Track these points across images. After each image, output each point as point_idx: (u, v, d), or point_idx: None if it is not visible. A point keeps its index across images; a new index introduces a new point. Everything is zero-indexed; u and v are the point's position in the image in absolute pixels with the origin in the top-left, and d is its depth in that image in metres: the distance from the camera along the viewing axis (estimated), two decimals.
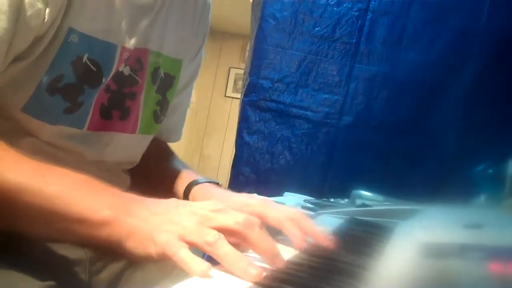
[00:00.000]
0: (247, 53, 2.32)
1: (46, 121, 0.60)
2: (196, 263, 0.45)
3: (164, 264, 0.50)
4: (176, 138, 0.93)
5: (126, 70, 0.67)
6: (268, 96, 1.88)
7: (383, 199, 1.15)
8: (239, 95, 2.12)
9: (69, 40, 0.57)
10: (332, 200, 1.24)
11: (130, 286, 0.70)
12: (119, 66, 0.64)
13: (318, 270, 0.52)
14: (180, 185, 0.79)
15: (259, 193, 1.23)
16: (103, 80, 0.62)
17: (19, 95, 0.57)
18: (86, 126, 0.64)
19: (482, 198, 0.88)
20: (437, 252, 0.46)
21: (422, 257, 0.45)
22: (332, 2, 1.83)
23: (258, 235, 0.50)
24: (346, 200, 1.23)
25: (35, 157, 0.53)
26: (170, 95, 0.78)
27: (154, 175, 0.85)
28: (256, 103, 1.88)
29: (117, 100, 0.67)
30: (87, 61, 0.60)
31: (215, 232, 0.48)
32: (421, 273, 0.41)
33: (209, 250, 0.47)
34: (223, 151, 5.21)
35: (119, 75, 0.66)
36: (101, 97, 0.65)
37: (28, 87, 0.57)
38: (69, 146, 0.64)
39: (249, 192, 1.25)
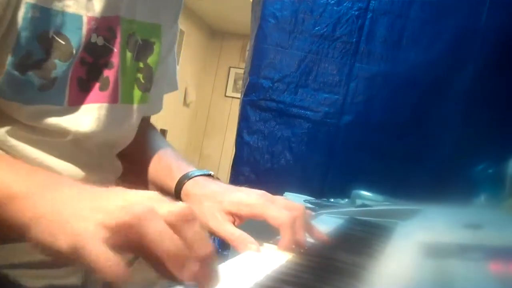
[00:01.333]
0: (247, 52, 2.32)
1: (23, 102, 0.58)
2: (110, 261, 0.34)
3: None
4: (158, 109, 0.87)
5: (100, 41, 0.65)
6: (268, 95, 1.88)
7: (383, 199, 1.15)
8: (239, 95, 2.12)
9: (30, 15, 0.56)
10: (332, 200, 1.25)
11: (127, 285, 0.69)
12: (88, 36, 0.62)
13: (318, 270, 0.52)
14: (170, 178, 0.73)
15: None
16: (74, 52, 0.61)
17: None
18: (66, 101, 0.62)
19: (482, 198, 0.88)
20: (437, 252, 0.46)
21: (422, 257, 0.45)
22: (332, 2, 1.83)
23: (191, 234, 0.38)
24: (346, 200, 1.23)
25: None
26: (153, 62, 0.75)
27: (135, 155, 0.80)
28: (256, 102, 1.88)
29: (95, 72, 0.65)
30: (54, 35, 0.58)
31: (149, 209, 0.37)
32: (421, 273, 0.41)
33: (135, 227, 0.36)
34: (223, 151, 5.21)
35: (92, 46, 0.64)
36: (77, 71, 0.63)
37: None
38: (51, 126, 0.62)
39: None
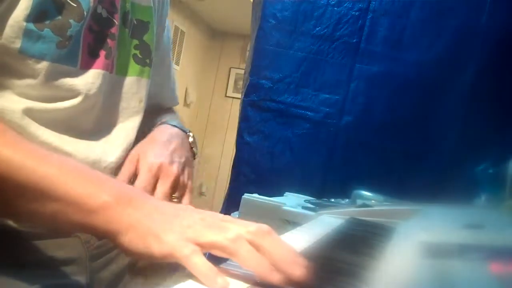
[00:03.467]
0: (247, 53, 2.32)
1: (42, 57, 0.61)
2: (213, 273, 0.42)
3: (164, 265, 0.49)
4: (173, 103, 0.95)
5: (104, 13, 0.69)
6: (268, 96, 1.87)
7: (384, 199, 1.15)
8: (239, 95, 2.12)
9: None
10: (332, 200, 1.25)
11: (131, 285, 0.69)
12: (95, 4, 0.66)
13: (318, 270, 0.52)
14: (148, 123, 0.80)
15: (260, 193, 1.23)
16: (85, 14, 0.64)
17: (12, 39, 0.58)
18: (79, 63, 0.66)
19: (482, 198, 0.88)
20: (437, 252, 0.46)
21: (422, 257, 0.45)
22: (333, 2, 1.83)
23: (270, 244, 0.44)
24: (347, 200, 1.23)
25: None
26: (149, 39, 0.79)
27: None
28: (257, 103, 1.88)
29: (102, 40, 0.69)
30: None
31: (236, 230, 0.45)
32: (421, 273, 0.41)
33: (230, 248, 0.43)
34: (223, 151, 5.21)
35: (98, 16, 0.68)
36: (87, 36, 0.66)
37: (18, 26, 0.58)
38: (64, 86, 0.65)
39: (250, 192, 1.25)
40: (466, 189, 0.99)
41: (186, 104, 5.22)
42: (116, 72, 0.73)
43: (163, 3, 0.86)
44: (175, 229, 0.45)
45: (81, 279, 0.66)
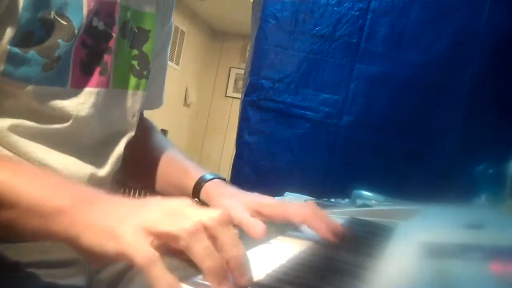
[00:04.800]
0: (247, 53, 2.32)
1: (27, 81, 0.58)
2: (165, 277, 0.38)
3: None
4: (159, 104, 0.90)
5: (101, 25, 0.66)
6: (268, 96, 1.88)
7: (384, 199, 1.15)
8: (239, 95, 2.12)
9: None
10: (332, 200, 1.24)
11: (131, 286, 0.69)
12: (89, 18, 0.63)
13: (318, 270, 0.52)
14: (188, 178, 0.77)
15: (260, 193, 1.23)
16: (76, 32, 0.61)
17: None
18: (69, 83, 0.63)
19: (482, 198, 0.88)
20: (437, 252, 0.45)
21: (422, 257, 0.45)
22: (333, 2, 1.83)
23: (226, 240, 0.42)
24: (347, 200, 1.23)
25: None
26: (148, 50, 0.76)
27: (140, 155, 0.82)
28: (257, 103, 1.88)
29: (96, 55, 0.66)
30: (55, 16, 0.59)
31: (196, 217, 0.42)
32: (421, 273, 0.41)
33: (186, 241, 0.40)
34: (223, 151, 5.22)
35: (93, 30, 0.65)
36: (79, 53, 0.64)
37: (1, 49, 0.56)
38: (54, 109, 0.62)
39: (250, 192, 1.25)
40: (466, 189, 0.99)
41: (186, 104, 5.22)
42: (113, 85, 0.71)
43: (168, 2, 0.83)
44: (131, 221, 0.42)
45: (81, 280, 0.65)
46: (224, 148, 5.21)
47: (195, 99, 5.34)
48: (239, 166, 1.91)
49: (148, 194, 0.61)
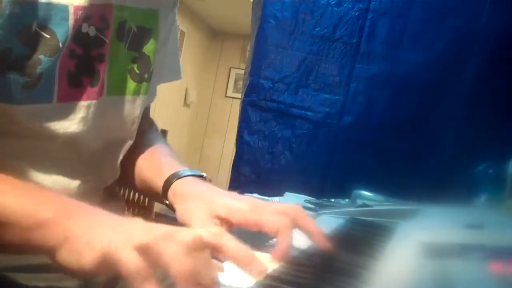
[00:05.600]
0: (247, 53, 2.32)
1: (9, 102, 0.54)
2: (141, 267, 0.38)
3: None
4: (150, 99, 0.81)
5: (91, 31, 0.60)
6: (268, 96, 1.87)
7: (384, 199, 1.15)
8: (239, 95, 2.12)
9: (7, 12, 0.52)
10: (332, 200, 1.24)
11: None
12: (76, 27, 0.58)
13: (318, 270, 0.52)
14: (158, 176, 0.69)
15: (260, 193, 1.23)
16: (60, 45, 0.56)
17: None
18: (55, 98, 0.58)
19: (482, 198, 0.88)
20: (437, 252, 0.45)
21: (422, 257, 0.45)
22: (333, 2, 1.83)
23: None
24: (347, 200, 1.23)
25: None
26: (149, 50, 0.70)
27: (127, 154, 0.75)
28: (257, 103, 1.88)
29: (86, 65, 0.61)
30: (37, 29, 0.54)
31: (167, 232, 0.41)
32: (421, 273, 0.41)
33: (156, 247, 0.40)
34: (223, 151, 5.21)
35: (83, 37, 0.60)
36: (66, 64, 0.59)
37: None
38: (41, 127, 0.58)
39: (250, 192, 1.25)
40: (466, 189, 0.99)
41: (186, 104, 5.22)
42: (108, 92, 0.66)
43: None
44: (111, 235, 0.41)
45: (75, 284, 0.65)
46: (224, 148, 5.20)
47: (195, 99, 5.34)
48: (239, 166, 1.91)
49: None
